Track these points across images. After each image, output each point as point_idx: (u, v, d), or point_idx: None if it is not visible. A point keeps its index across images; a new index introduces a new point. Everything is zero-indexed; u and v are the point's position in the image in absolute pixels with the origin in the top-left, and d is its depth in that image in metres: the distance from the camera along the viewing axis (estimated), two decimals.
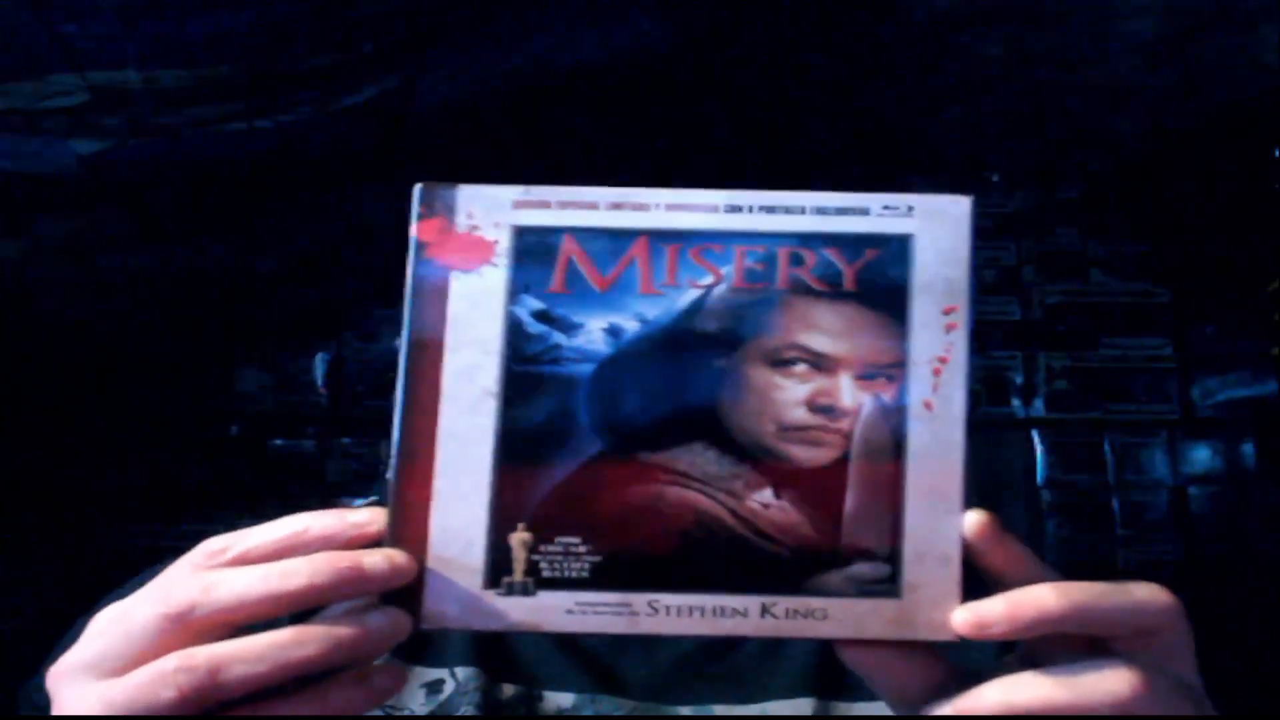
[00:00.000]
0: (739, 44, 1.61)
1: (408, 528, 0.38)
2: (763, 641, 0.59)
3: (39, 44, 1.35)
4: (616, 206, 0.39)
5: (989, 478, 2.12)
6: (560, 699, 0.58)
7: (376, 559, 0.36)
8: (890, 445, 0.38)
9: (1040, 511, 2.09)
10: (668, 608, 0.37)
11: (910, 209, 0.39)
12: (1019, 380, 2.12)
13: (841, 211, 0.39)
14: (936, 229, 0.39)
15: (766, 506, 0.38)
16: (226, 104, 1.59)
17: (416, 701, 0.58)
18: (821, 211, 0.39)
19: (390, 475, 0.38)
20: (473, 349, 0.38)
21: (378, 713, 0.58)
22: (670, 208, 0.39)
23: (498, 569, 0.37)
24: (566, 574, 0.37)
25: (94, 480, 2.03)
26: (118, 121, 1.59)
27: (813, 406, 0.38)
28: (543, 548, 0.37)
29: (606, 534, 0.37)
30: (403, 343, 0.38)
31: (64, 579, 1.84)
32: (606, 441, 0.38)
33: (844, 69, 1.70)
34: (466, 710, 0.58)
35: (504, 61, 1.60)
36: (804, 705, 0.57)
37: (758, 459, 0.38)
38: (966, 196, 0.39)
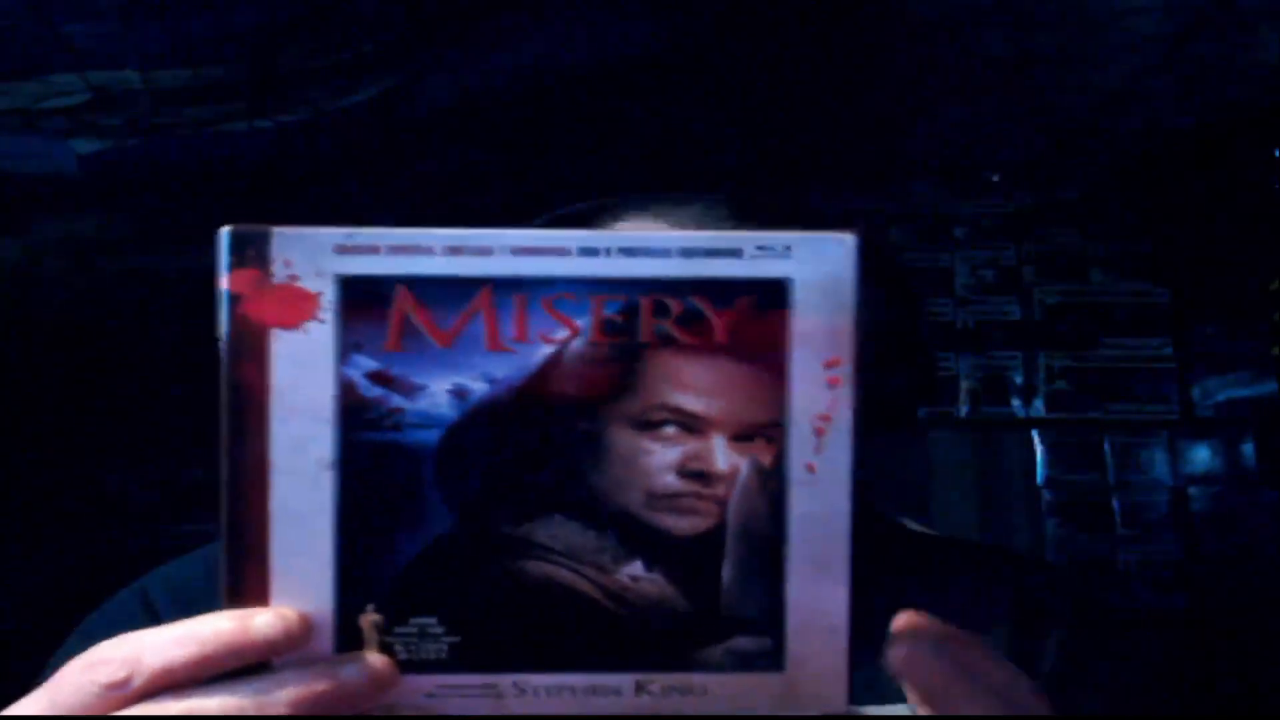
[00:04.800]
0: (738, 44, 1.61)
1: None
2: None
3: (40, 44, 1.35)
4: (455, 251, 0.34)
5: (989, 478, 2.12)
6: None
7: (269, 619, 0.34)
8: (770, 512, 0.35)
9: (1040, 511, 2.09)
10: (536, 689, 0.35)
11: (788, 249, 0.35)
12: (1019, 380, 2.12)
13: (711, 253, 0.35)
14: (817, 271, 0.35)
15: (637, 580, 0.35)
16: (226, 104, 1.59)
17: None
18: (688, 254, 0.35)
19: (221, 561, 0.35)
20: (303, 417, 0.34)
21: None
22: (516, 251, 0.34)
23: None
24: (424, 656, 0.35)
25: (94, 480, 2.03)
26: (118, 121, 1.60)
27: (683, 472, 0.35)
28: (397, 629, 0.35)
29: (464, 614, 0.35)
30: (222, 412, 0.34)
31: (64, 579, 1.84)
32: (459, 515, 0.35)
33: (844, 68, 1.70)
34: None
35: (504, 61, 1.60)
36: None
37: (626, 530, 0.35)
38: (851, 234, 0.35)
